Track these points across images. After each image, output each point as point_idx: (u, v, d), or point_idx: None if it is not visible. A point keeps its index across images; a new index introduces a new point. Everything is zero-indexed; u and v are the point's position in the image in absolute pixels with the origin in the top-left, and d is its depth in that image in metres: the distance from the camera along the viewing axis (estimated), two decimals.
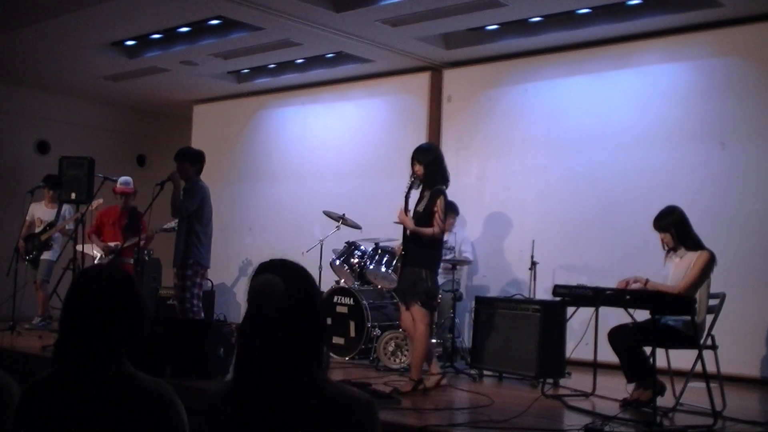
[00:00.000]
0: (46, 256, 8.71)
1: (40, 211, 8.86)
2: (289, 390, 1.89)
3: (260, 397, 1.90)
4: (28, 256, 8.68)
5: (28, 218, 8.74)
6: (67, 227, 8.73)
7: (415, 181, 5.58)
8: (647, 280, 5.17)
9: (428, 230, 5.40)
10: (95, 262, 8.10)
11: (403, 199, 5.60)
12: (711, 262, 5.12)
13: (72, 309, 2.16)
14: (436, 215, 5.38)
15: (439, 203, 5.40)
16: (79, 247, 8.27)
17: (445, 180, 5.57)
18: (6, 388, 2.29)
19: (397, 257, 5.73)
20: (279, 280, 1.93)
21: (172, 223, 7.77)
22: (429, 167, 5.52)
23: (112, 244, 8.26)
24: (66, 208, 8.79)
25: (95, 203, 8.08)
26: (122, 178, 8.45)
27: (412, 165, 5.60)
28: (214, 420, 1.97)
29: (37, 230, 8.76)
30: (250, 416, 1.90)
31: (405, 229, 5.56)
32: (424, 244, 5.45)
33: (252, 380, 1.92)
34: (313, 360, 1.94)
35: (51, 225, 8.74)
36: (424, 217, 5.43)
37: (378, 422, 1.94)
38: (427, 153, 5.62)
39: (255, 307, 1.94)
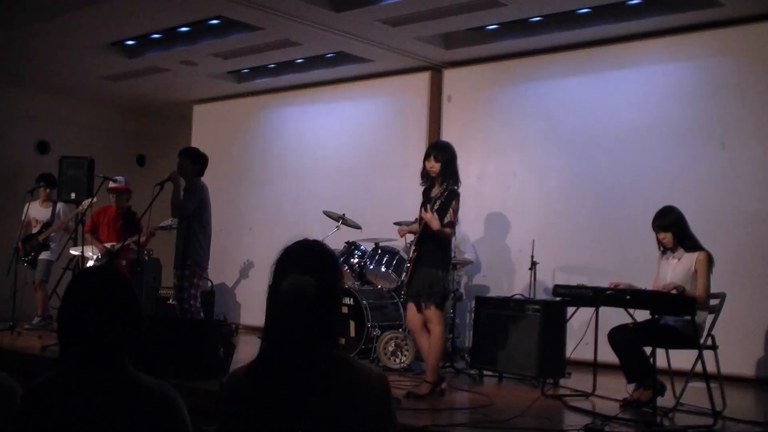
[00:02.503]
0: (44, 256, 8.70)
1: (35, 211, 8.84)
2: (308, 366, 1.94)
3: (281, 374, 1.95)
4: (26, 257, 8.67)
5: (24, 219, 8.73)
6: (63, 225, 8.72)
7: (437, 177, 5.44)
8: (684, 289, 4.99)
9: (448, 230, 5.38)
10: (91, 263, 8.08)
11: (424, 198, 5.52)
12: (710, 262, 5.13)
13: (68, 312, 2.16)
14: (450, 214, 5.33)
15: (455, 206, 5.36)
16: (73, 251, 8.25)
17: (458, 180, 5.49)
18: (9, 389, 2.29)
19: (409, 256, 5.62)
20: (310, 280, 1.96)
21: (169, 221, 7.76)
22: (446, 166, 5.43)
23: (109, 244, 8.24)
24: (60, 207, 8.78)
25: (86, 202, 8.06)
26: (116, 177, 8.44)
27: (425, 161, 5.50)
28: (234, 399, 2.01)
29: (34, 230, 8.75)
30: (271, 392, 1.94)
31: (423, 228, 5.44)
32: (440, 245, 5.42)
33: (275, 360, 1.97)
34: (330, 337, 2.03)
35: (47, 225, 8.73)
36: (438, 216, 5.36)
37: (391, 396, 2.02)
38: (445, 151, 5.51)
39: (286, 308, 1.97)
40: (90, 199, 7.99)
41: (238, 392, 2.01)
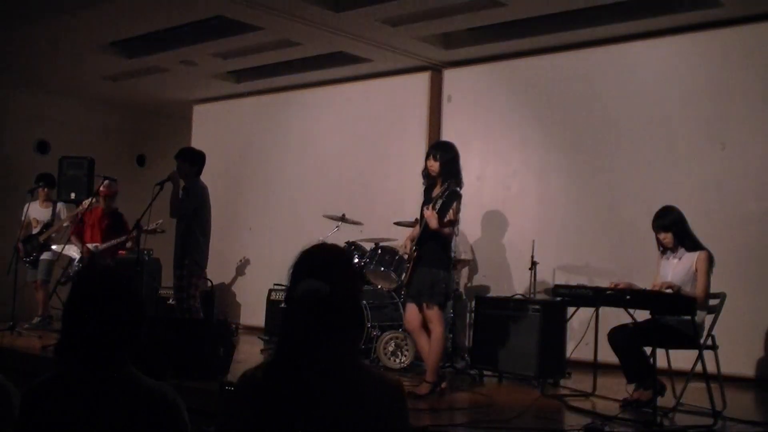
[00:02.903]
0: (45, 256, 8.69)
1: (35, 212, 8.82)
2: (319, 371, 1.93)
3: (291, 379, 1.94)
4: (28, 258, 8.67)
5: (24, 219, 8.73)
6: (64, 225, 8.72)
7: (437, 177, 5.45)
8: (680, 288, 5.01)
9: (447, 230, 5.36)
10: (75, 263, 8.07)
11: (425, 197, 5.54)
12: (711, 261, 5.13)
13: (72, 311, 2.17)
14: (450, 214, 5.32)
15: (456, 206, 5.34)
16: (55, 246, 8.24)
17: (460, 181, 5.46)
18: (4, 389, 2.29)
19: (408, 256, 5.61)
20: (323, 286, 1.95)
21: (154, 225, 7.75)
22: (446, 165, 5.42)
23: (91, 245, 8.20)
24: (60, 207, 8.77)
25: (86, 202, 8.04)
26: (115, 177, 8.40)
27: (426, 159, 5.50)
28: (243, 401, 1.99)
29: (34, 231, 8.74)
30: (280, 396, 1.93)
31: (424, 228, 5.44)
32: (440, 245, 5.41)
33: (286, 365, 1.97)
34: (350, 343, 2.02)
35: (47, 225, 8.73)
36: (438, 216, 5.36)
37: (407, 405, 2.01)
38: (446, 150, 5.51)
39: (298, 313, 1.97)
40: (90, 199, 7.98)
41: (248, 394, 1.99)
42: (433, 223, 5.30)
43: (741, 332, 6.33)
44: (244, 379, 2.03)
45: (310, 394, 1.91)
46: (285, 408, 1.91)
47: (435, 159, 5.45)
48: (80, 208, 8.15)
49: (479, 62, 8.42)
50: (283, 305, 2.11)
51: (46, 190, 8.76)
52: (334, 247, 2.13)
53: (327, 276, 1.98)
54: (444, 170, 5.42)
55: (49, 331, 7.91)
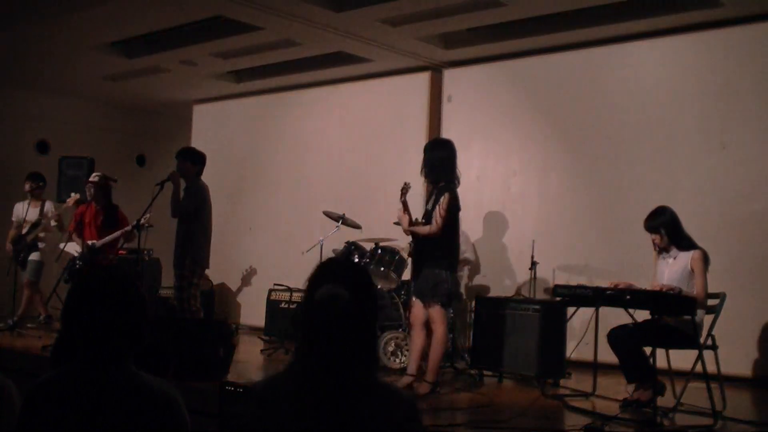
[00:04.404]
0: (34, 257, 8.56)
1: (25, 211, 8.80)
2: (344, 381, 1.94)
3: (318, 386, 1.94)
4: (17, 258, 8.62)
5: (14, 219, 8.68)
6: (52, 223, 8.66)
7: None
8: (681, 290, 5.01)
9: (424, 229, 5.36)
10: (76, 261, 8.05)
11: (401, 202, 5.60)
12: (706, 260, 5.13)
13: (74, 310, 2.16)
14: (437, 211, 5.34)
15: (443, 201, 5.35)
16: (62, 245, 8.21)
17: (451, 178, 5.45)
18: (5, 388, 2.29)
19: (409, 251, 5.66)
20: (344, 291, 1.96)
21: (142, 220, 7.72)
22: (431, 162, 5.45)
23: (90, 242, 8.16)
24: (47, 206, 8.73)
25: (72, 198, 7.98)
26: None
27: None
28: (265, 407, 1.98)
29: (24, 231, 8.70)
30: (307, 408, 1.93)
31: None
32: (440, 244, 5.42)
33: (309, 370, 1.97)
34: (368, 357, 2.02)
35: (35, 225, 8.68)
36: (432, 215, 5.37)
37: (422, 419, 2.02)
38: (430, 148, 5.56)
39: (320, 315, 1.97)
40: (76, 194, 7.89)
41: (270, 401, 1.98)
42: (404, 224, 5.44)
43: (740, 332, 6.33)
44: (263, 387, 2.02)
45: (328, 402, 1.91)
46: (306, 414, 1.91)
47: (424, 154, 5.51)
48: (65, 206, 8.08)
49: (479, 62, 8.42)
50: (300, 312, 2.10)
51: (38, 189, 8.72)
52: (348, 259, 2.16)
53: (346, 282, 1.98)
54: (429, 169, 5.46)
55: (48, 332, 7.90)
